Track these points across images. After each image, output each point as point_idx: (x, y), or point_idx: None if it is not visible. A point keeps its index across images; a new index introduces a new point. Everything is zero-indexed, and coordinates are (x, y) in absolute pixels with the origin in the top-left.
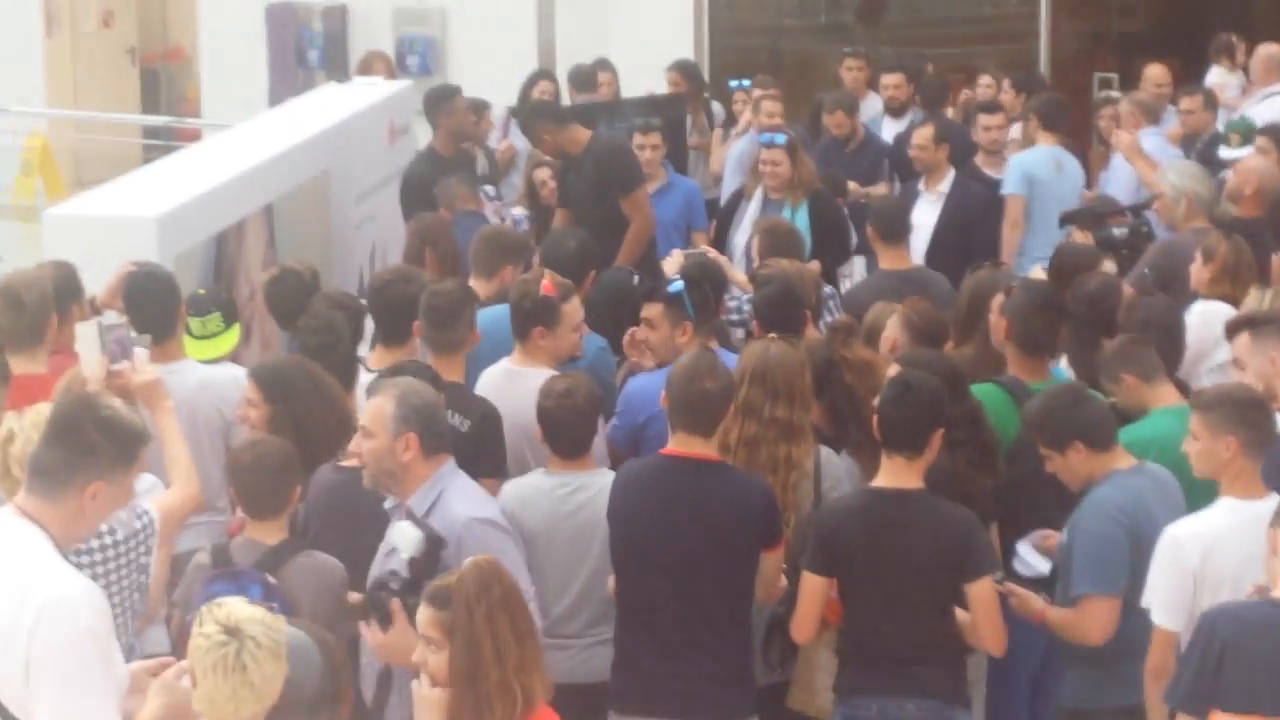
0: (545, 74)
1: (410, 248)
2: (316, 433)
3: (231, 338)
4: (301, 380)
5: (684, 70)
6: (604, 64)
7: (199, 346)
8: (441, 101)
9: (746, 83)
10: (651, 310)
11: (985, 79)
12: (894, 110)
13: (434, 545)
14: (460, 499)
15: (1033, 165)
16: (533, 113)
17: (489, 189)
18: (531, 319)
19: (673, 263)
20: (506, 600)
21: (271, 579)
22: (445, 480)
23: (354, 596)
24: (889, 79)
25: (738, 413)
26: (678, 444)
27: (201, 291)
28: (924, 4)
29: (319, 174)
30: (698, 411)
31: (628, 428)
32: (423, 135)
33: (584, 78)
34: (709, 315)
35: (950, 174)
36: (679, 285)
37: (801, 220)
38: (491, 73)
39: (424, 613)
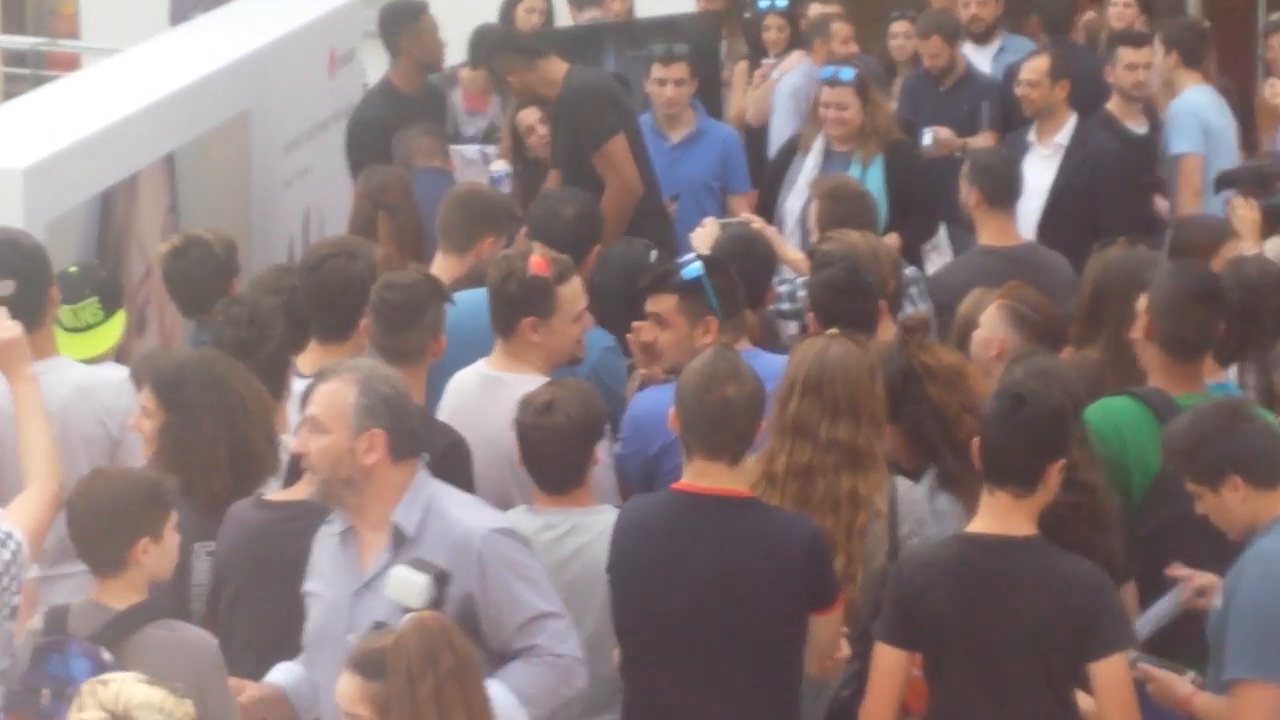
0: None
1: (358, 213)
2: (230, 455)
3: (114, 329)
4: (210, 385)
5: None
6: None
7: (73, 342)
8: (403, 20)
9: (781, 2)
10: (662, 303)
11: None
12: (978, 34)
13: (441, 585)
14: (463, 506)
15: (1206, 112)
16: (493, 44)
17: (473, 149)
18: (518, 307)
19: (704, 236)
20: (461, 673)
21: (107, 655)
22: (428, 487)
23: (248, 691)
24: None
25: (786, 433)
26: (695, 475)
27: (73, 269)
28: None
29: (236, 115)
30: (718, 429)
31: (638, 458)
32: (375, 65)
33: None
34: (739, 306)
35: (1071, 121)
36: (697, 268)
37: (874, 180)
38: None
39: (349, 683)
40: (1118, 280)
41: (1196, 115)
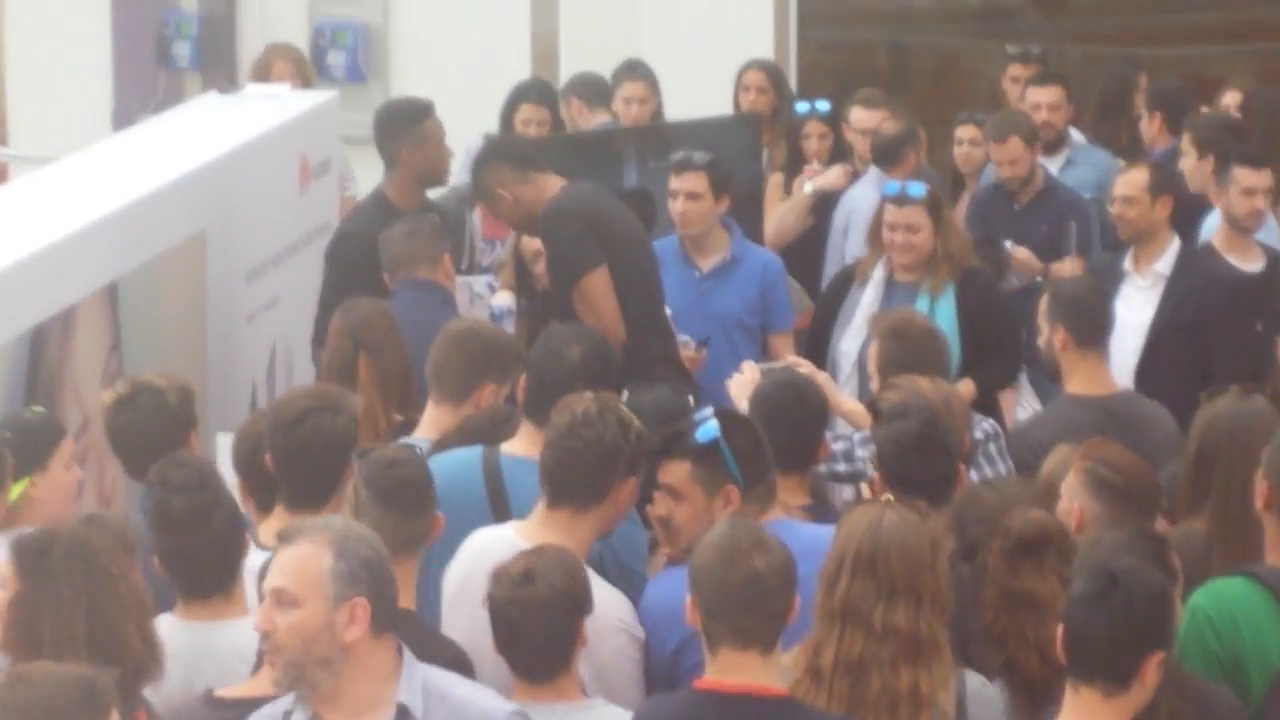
0: (537, 88)
1: (335, 352)
2: (88, 637)
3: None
4: (78, 557)
5: (770, 73)
6: (634, 68)
7: None
8: (402, 125)
9: (823, 105)
10: (673, 471)
11: (1230, 95)
12: (1048, 144)
13: None
14: (468, 687)
15: None
16: (481, 156)
17: (483, 282)
18: (626, 467)
19: (743, 384)
20: None
21: None
22: (417, 665)
23: None
24: (1041, 94)
25: (834, 620)
26: (721, 671)
27: None
28: None
29: (191, 237)
30: (747, 610)
31: (654, 656)
32: (365, 174)
33: (597, 90)
34: (765, 470)
35: (1173, 245)
36: (712, 428)
37: (945, 316)
38: (457, 81)
39: None
40: (1229, 438)
41: None
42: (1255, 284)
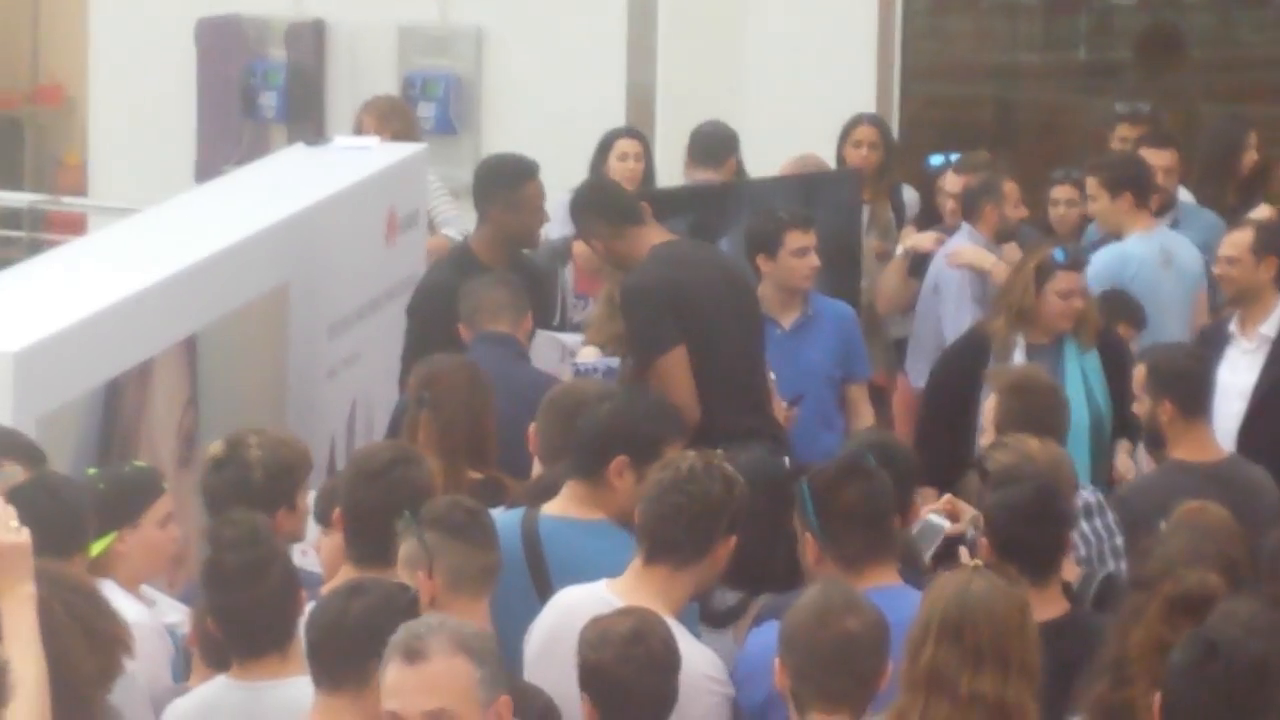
0: (628, 128)
1: (400, 410)
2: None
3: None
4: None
5: (881, 129)
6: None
7: None
8: (500, 185)
9: (955, 157)
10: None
11: None
12: (1159, 205)
13: None
14: None
15: None
16: (579, 199)
17: (577, 339)
18: (731, 527)
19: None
20: None
21: None
22: None
23: None
24: (1156, 157)
25: (919, 688)
26: None
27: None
28: (1248, 33)
29: (273, 290)
30: (837, 672)
31: (745, 710)
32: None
33: (711, 145)
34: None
35: (1279, 308)
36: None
37: (1096, 378)
38: (550, 134)
39: None
40: None
41: None
42: None
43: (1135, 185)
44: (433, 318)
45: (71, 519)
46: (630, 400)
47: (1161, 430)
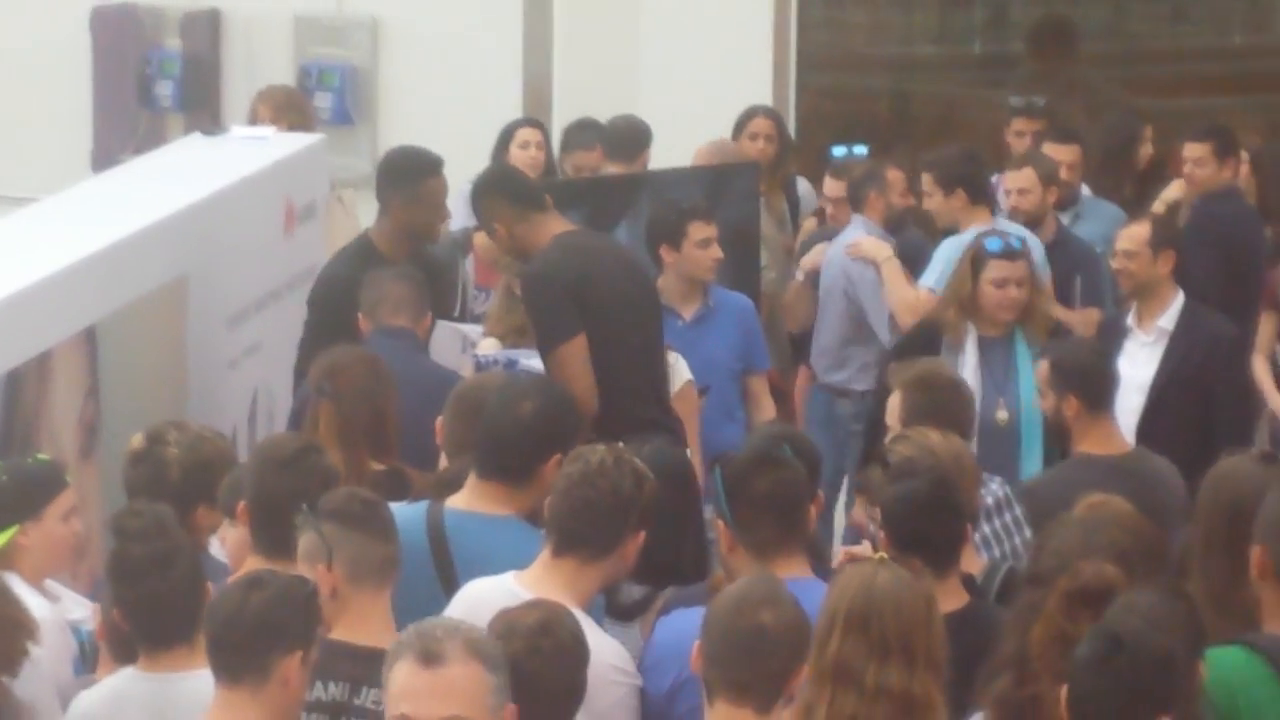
0: (530, 120)
1: (302, 402)
2: None
3: None
4: None
5: (776, 121)
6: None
7: None
8: (401, 181)
9: (861, 150)
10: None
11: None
12: (1060, 201)
13: None
14: None
15: None
16: (482, 184)
17: (479, 330)
18: (640, 517)
19: None
20: None
21: None
22: None
23: None
24: (1060, 152)
25: (825, 680)
26: None
27: None
28: (1141, 26)
29: (172, 281)
30: (745, 663)
31: (651, 698)
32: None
33: (625, 140)
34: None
35: (1177, 300)
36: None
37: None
38: (447, 125)
39: None
40: (1244, 497)
41: None
42: None
43: (968, 182)
44: (332, 308)
45: None
46: (553, 397)
47: (1067, 425)
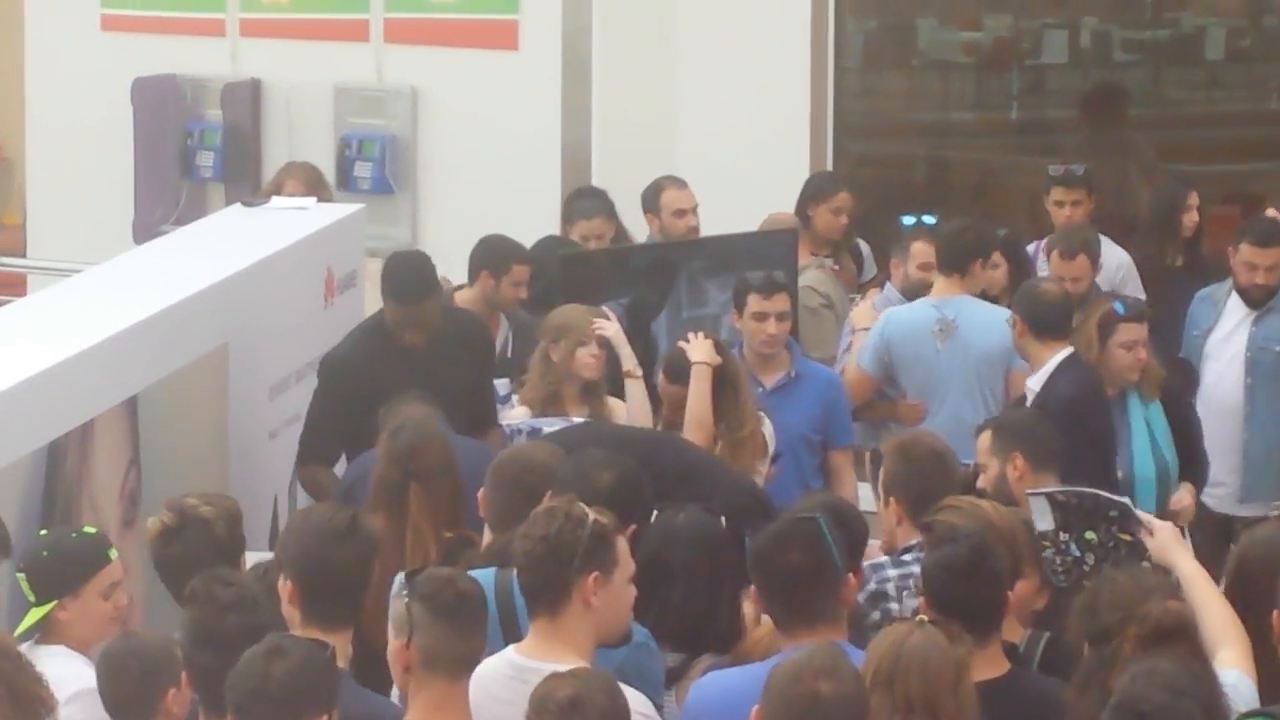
0: (592, 203)
1: (384, 481)
2: None
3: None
4: None
5: (854, 195)
6: (594, 194)
7: None
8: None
9: (929, 220)
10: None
11: (1272, 211)
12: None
13: None
14: None
15: None
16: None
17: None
18: (582, 561)
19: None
20: None
21: None
22: None
23: None
24: (1065, 267)
25: None
26: None
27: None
28: (1177, 91)
29: (212, 351)
30: None
31: None
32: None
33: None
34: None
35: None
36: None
37: (1160, 426)
38: (486, 193)
39: None
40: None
41: None
42: None
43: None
44: (342, 391)
45: None
46: (628, 468)
47: (1011, 490)
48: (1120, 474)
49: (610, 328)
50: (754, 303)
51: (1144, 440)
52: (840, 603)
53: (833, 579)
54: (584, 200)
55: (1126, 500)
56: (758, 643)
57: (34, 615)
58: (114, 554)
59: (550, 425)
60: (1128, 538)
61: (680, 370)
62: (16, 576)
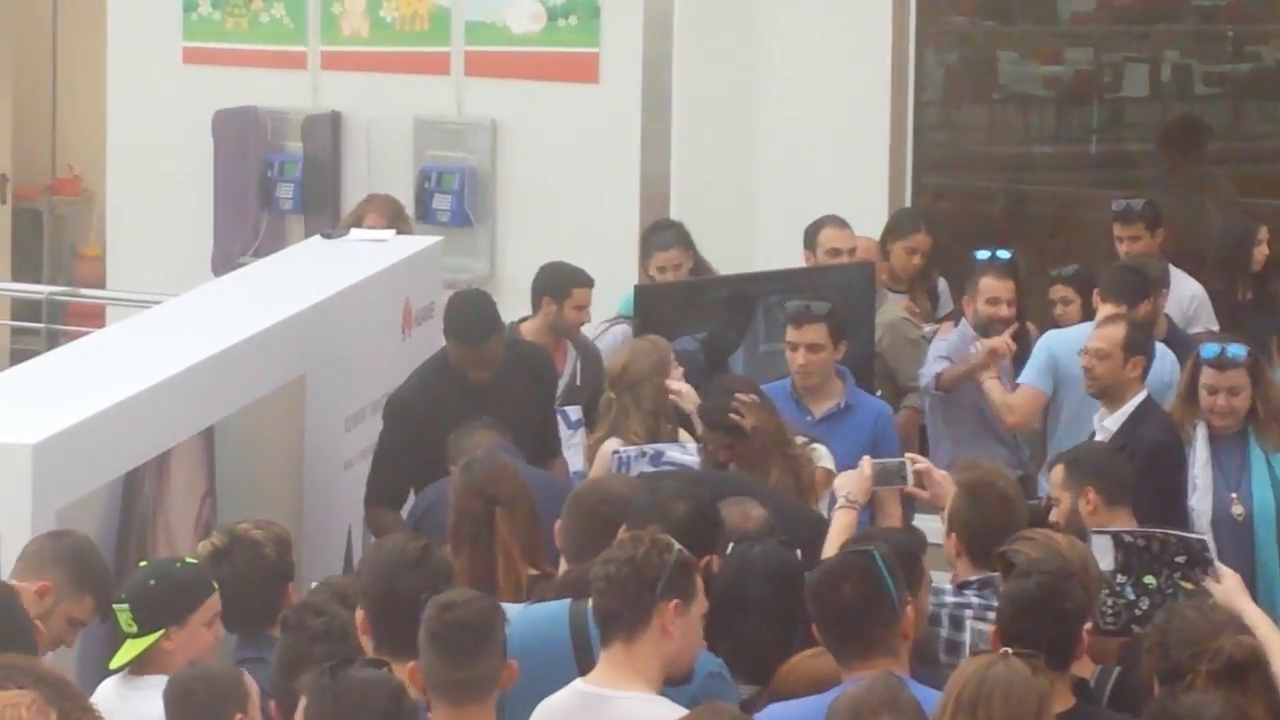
0: (670, 235)
1: (465, 511)
2: None
3: (135, 649)
4: None
5: (932, 235)
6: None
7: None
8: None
9: (1004, 254)
10: None
11: None
12: None
13: None
14: None
15: None
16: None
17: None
18: (664, 588)
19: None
20: None
21: None
22: None
23: None
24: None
25: None
26: None
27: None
28: (1258, 126)
29: (290, 382)
30: None
31: None
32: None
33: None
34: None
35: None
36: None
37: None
38: (565, 224)
39: None
40: None
41: None
42: None
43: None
44: (407, 429)
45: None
46: (703, 499)
47: (1084, 524)
48: (1241, 511)
49: (683, 387)
50: (788, 333)
51: (1263, 479)
52: (898, 635)
53: (888, 611)
54: (661, 232)
55: (1205, 538)
56: (790, 672)
57: (137, 646)
58: (215, 585)
59: (671, 449)
60: (1190, 585)
61: (716, 421)
62: (115, 608)
